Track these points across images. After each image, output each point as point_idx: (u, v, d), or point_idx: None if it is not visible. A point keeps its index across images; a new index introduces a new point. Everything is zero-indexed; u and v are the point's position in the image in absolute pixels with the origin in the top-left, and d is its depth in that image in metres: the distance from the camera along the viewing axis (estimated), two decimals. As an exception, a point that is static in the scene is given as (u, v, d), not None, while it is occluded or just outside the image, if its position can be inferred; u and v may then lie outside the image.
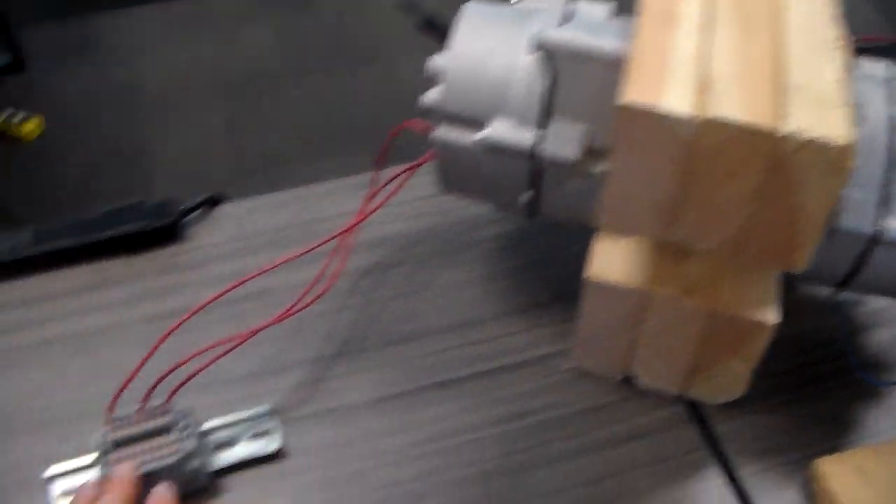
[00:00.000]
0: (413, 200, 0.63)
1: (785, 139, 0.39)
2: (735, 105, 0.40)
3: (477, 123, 0.49)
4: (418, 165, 0.55)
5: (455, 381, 0.54)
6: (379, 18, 1.87)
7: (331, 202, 0.63)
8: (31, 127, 1.71)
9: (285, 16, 1.96)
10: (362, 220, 0.54)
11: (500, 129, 0.49)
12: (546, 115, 0.48)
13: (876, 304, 0.57)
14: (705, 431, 0.52)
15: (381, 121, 1.76)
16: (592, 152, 0.48)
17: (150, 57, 1.87)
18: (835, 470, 0.49)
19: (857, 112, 0.45)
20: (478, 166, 0.50)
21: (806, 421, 0.52)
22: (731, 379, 0.51)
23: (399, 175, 0.56)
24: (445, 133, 0.50)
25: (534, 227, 0.62)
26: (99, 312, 0.59)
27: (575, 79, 0.47)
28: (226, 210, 0.65)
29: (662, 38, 0.44)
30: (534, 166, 0.49)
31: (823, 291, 0.56)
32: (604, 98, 0.47)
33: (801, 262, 0.44)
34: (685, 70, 0.42)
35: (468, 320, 0.57)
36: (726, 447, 0.51)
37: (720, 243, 0.44)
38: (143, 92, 1.79)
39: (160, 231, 0.61)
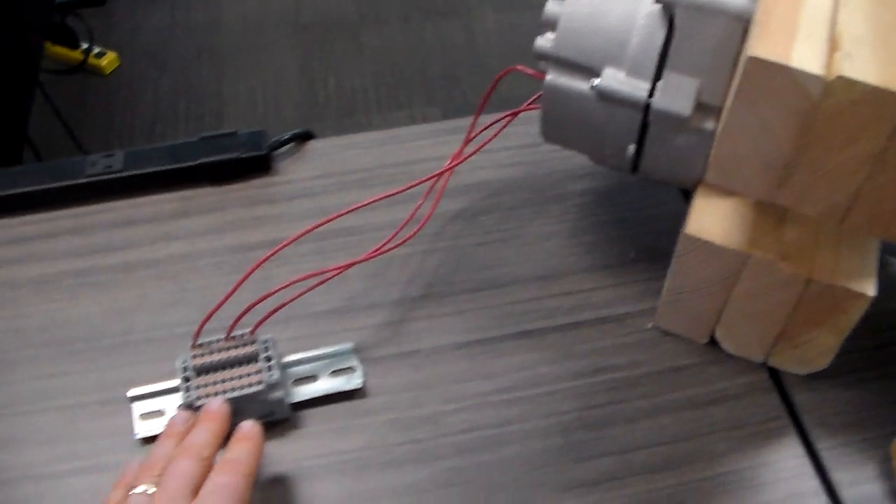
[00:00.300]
0: (506, 149, 0.63)
1: (916, 104, 0.38)
2: (866, 66, 0.39)
3: (590, 71, 0.49)
4: (519, 112, 0.55)
5: (536, 332, 0.54)
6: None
7: (421, 145, 0.63)
8: (108, 60, 1.75)
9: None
10: (459, 162, 0.54)
11: (615, 79, 0.48)
12: (661, 67, 0.47)
13: None
14: (785, 401, 0.51)
15: (454, 74, 1.77)
16: (703, 108, 0.47)
17: None
18: (918, 449, 0.49)
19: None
20: (586, 115, 0.50)
21: (887, 399, 0.51)
22: (817, 350, 0.51)
23: (500, 120, 0.56)
24: (557, 79, 0.50)
25: (624, 185, 0.61)
26: (185, 240, 0.59)
27: (695, 32, 0.46)
28: (317, 146, 0.65)
29: (791, -5, 0.43)
30: (643, 119, 0.48)
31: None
32: (722, 54, 0.46)
33: (913, 233, 0.43)
34: (816, 28, 0.41)
35: (553, 272, 0.57)
36: (805, 418, 0.51)
37: (828, 208, 0.44)
38: (218, 32, 1.80)
39: (252, 162, 0.61)
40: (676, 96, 0.47)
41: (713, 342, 0.53)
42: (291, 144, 0.63)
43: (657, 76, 0.47)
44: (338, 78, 1.72)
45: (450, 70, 1.71)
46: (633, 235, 0.58)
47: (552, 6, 0.50)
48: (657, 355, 0.53)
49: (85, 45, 1.71)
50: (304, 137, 0.64)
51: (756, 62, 0.40)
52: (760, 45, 0.40)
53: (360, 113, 1.63)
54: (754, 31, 0.41)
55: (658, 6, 0.46)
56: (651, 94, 0.47)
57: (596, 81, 0.48)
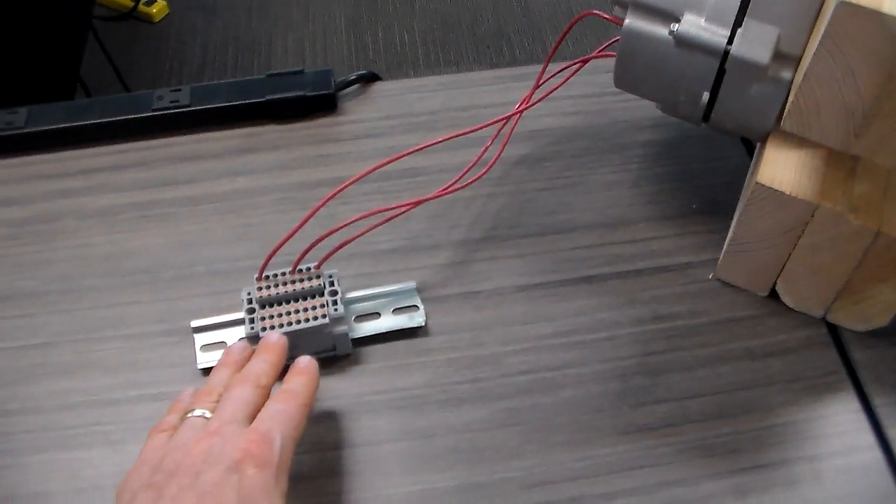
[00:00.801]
0: (570, 97, 0.63)
1: None
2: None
3: (670, 16, 0.49)
4: (590, 59, 0.55)
5: (597, 278, 0.54)
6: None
7: (487, 91, 0.63)
8: (158, 8, 1.77)
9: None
10: (527, 107, 0.54)
11: (695, 24, 0.48)
12: (742, 14, 0.47)
13: None
14: (843, 356, 0.52)
15: (504, 32, 1.76)
16: (781, 57, 0.47)
17: None
18: (976, 410, 0.49)
19: None
20: (662, 61, 0.49)
21: (945, 362, 0.52)
22: (878, 307, 0.51)
23: (570, 66, 0.55)
24: (635, 23, 0.49)
25: (687, 137, 0.61)
26: (250, 176, 0.60)
27: (775, -21, 0.46)
28: (382, 88, 0.65)
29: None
30: (721, 66, 0.48)
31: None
32: (803, 2, 0.46)
33: None
34: (903, -24, 0.41)
35: (615, 220, 0.57)
36: (862, 374, 0.51)
37: (904, 160, 0.44)
38: None
39: (318, 100, 0.62)
40: (756, 44, 0.47)
41: (773, 295, 0.53)
42: (357, 85, 0.64)
43: (737, 23, 0.47)
44: (386, 32, 1.72)
45: (499, 28, 1.70)
46: (696, 187, 0.58)
47: (632, -48, 0.50)
48: (717, 305, 0.53)
49: None
50: (370, 79, 0.64)
51: (846, 6, 0.39)
52: (850, -9, 0.40)
53: (408, 67, 1.63)
54: (842, -23, 0.41)
55: (740, -47, 0.47)
56: (730, 42, 0.47)
57: (676, 27, 0.48)
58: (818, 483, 0.47)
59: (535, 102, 0.55)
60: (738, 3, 0.47)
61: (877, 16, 0.39)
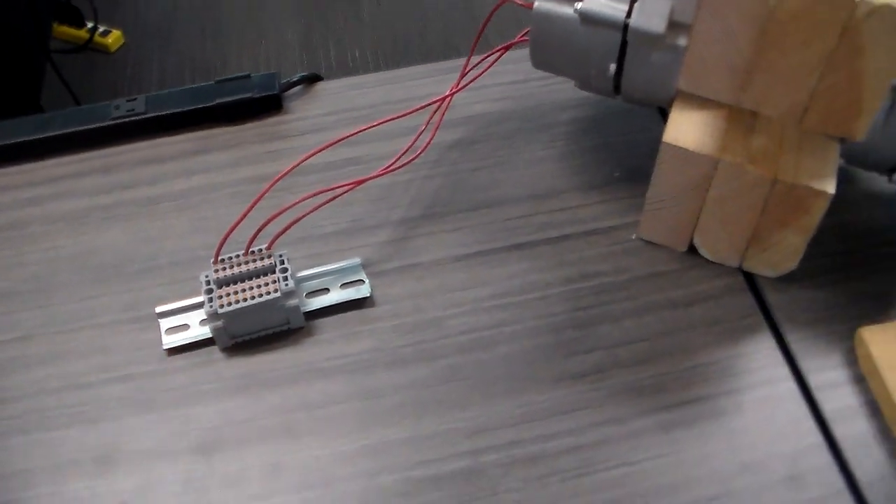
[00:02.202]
0: (498, 85, 0.67)
1: (860, 3, 0.43)
2: (814, -26, 0.44)
3: (575, -3, 0.54)
4: (511, 46, 0.60)
5: (527, 244, 0.59)
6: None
7: (423, 83, 0.68)
8: (114, 38, 1.83)
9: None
10: (456, 91, 0.59)
11: (597, 2, 0.52)
12: (637, -10, 0.52)
13: None
14: (759, 300, 0.56)
15: (452, 43, 1.82)
16: (675, 26, 0.51)
17: None
18: (876, 337, 0.52)
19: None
20: (571, 39, 0.54)
21: (853, 297, 0.56)
22: (786, 251, 0.55)
23: (494, 52, 0.60)
24: (544, 5, 0.54)
25: (609, 113, 0.65)
26: (205, 174, 0.64)
27: (665, -44, 0.50)
28: (324, 87, 0.69)
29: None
30: (623, 38, 0.53)
31: (880, 184, 0.60)
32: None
33: (861, 130, 0.47)
34: (769, -57, 0.46)
35: (543, 192, 0.61)
36: (777, 315, 0.55)
37: (787, 109, 0.48)
38: (220, 7, 1.86)
39: (265, 101, 0.66)
40: (651, 15, 0.51)
41: (692, 250, 0.58)
42: (301, 86, 0.68)
43: (634, -1, 0.52)
44: (338, 48, 1.78)
45: (448, 39, 1.76)
46: (618, 158, 0.62)
47: (541, -59, 0.54)
48: (640, 262, 0.58)
49: (90, 24, 1.78)
50: (313, 79, 0.68)
51: (716, -27, 0.44)
52: (720, -42, 0.44)
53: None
54: (716, -52, 0.45)
55: (632, -64, 0.51)
56: (629, 15, 0.52)
57: (579, 5, 0.53)
58: (739, 413, 0.51)
59: (465, 86, 0.60)
60: (634, -20, 0.52)
61: (744, -22, 0.44)
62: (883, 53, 0.44)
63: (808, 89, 0.47)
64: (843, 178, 0.59)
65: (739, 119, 0.53)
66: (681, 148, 0.52)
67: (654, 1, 0.51)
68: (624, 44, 0.53)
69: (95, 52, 1.87)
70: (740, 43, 0.46)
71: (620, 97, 0.57)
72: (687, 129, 0.53)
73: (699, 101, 0.53)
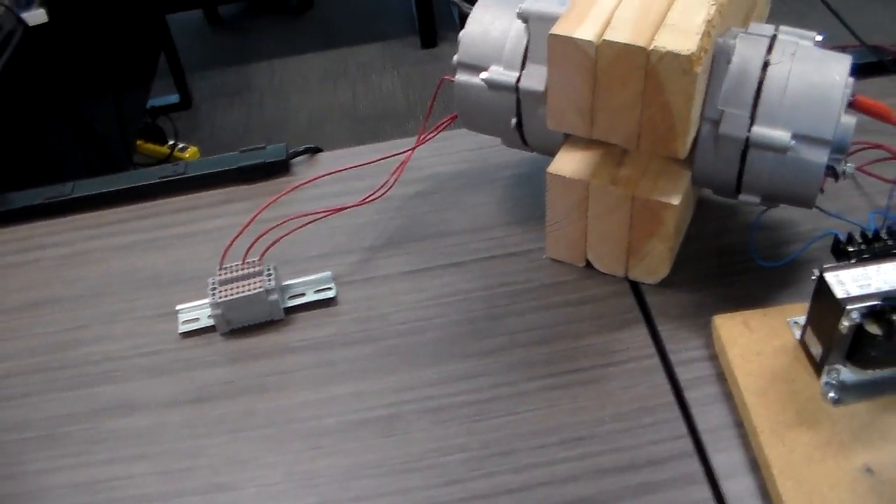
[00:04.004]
0: (455, 151, 0.86)
1: (652, 52, 0.59)
2: (623, 34, 0.60)
3: (482, 69, 0.71)
4: (455, 117, 0.77)
5: (462, 263, 0.75)
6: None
7: (398, 150, 0.84)
8: (191, 153, 2.14)
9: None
10: (413, 149, 0.77)
11: (496, 72, 0.70)
12: (525, 61, 0.69)
13: (775, 213, 0.74)
14: (640, 301, 0.71)
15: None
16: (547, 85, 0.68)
17: (296, 98, 2.21)
18: (726, 323, 0.66)
19: (732, 52, 0.63)
20: (483, 101, 0.72)
21: (717, 299, 0.70)
22: (657, 259, 0.70)
23: (444, 122, 0.77)
24: (462, 77, 0.72)
25: (539, 169, 0.80)
26: (226, 218, 0.83)
27: (541, 34, 0.67)
28: (324, 156, 0.89)
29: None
30: (517, 98, 0.70)
31: (752, 216, 0.75)
32: (557, 46, 0.68)
33: (681, 150, 0.63)
34: (598, 16, 0.63)
35: (480, 226, 0.78)
36: (653, 311, 0.70)
37: (625, 137, 0.64)
38: (286, 127, 2.12)
39: (274, 166, 0.86)
40: (534, 78, 0.68)
41: (589, 265, 0.73)
42: (306, 155, 0.87)
43: (523, 67, 0.69)
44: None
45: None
46: (542, 202, 0.76)
47: (461, 33, 0.72)
48: (547, 274, 0.73)
49: (171, 142, 2.06)
50: (315, 150, 0.88)
51: (554, 37, 0.61)
52: (558, 27, 0.62)
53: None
54: (558, 21, 0.62)
55: (521, 21, 0.69)
56: (519, 80, 0.69)
57: (484, 75, 0.70)
58: (609, 380, 0.65)
59: (417, 147, 0.77)
60: (523, 53, 0.69)
61: (571, 40, 0.61)
62: (678, 89, 0.60)
63: (635, 120, 0.63)
64: (727, 212, 0.74)
65: (611, 155, 0.69)
66: (560, 176, 0.68)
67: (537, 68, 0.68)
68: (519, 102, 0.70)
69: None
70: (580, 89, 0.63)
71: (531, 148, 0.74)
72: (567, 162, 0.69)
73: (582, 143, 0.69)
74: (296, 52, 2.57)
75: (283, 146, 0.86)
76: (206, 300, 0.72)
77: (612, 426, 0.62)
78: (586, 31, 0.61)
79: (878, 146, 0.70)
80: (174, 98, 2.45)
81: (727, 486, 0.58)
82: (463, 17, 0.75)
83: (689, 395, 0.64)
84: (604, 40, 0.60)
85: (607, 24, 0.62)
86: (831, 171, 0.65)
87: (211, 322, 0.72)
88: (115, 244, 0.82)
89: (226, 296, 0.70)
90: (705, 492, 0.58)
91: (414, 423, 0.64)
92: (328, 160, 0.88)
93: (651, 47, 0.59)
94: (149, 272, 0.78)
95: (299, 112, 2.33)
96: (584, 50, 0.61)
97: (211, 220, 0.83)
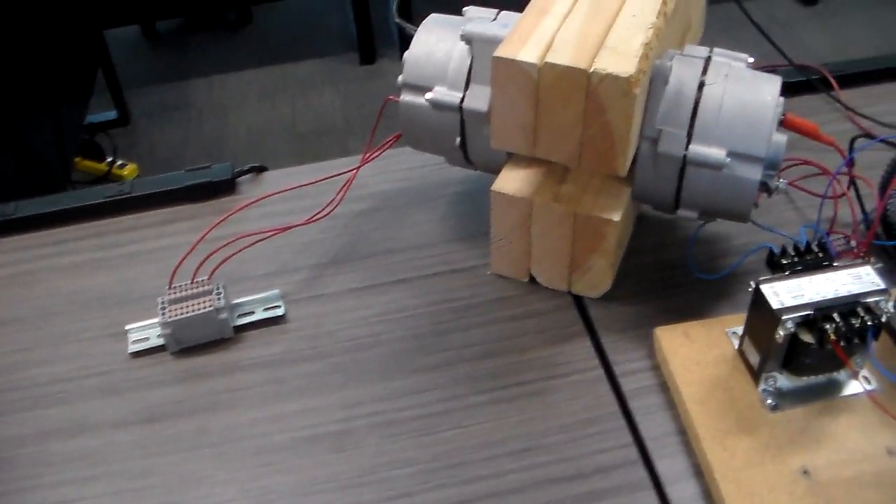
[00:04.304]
0: (398, 170, 0.87)
1: (592, 74, 0.61)
2: (564, 56, 0.62)
3: (427, 90, 0.73)
4: (400, 136, 0.78)
5: (406, 279, 0.76)
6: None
7: (344, 168, 0.83)
8: (129, 170, 2.14)
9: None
10: (358, 167, 0.78)
11: (440, 92, 0.72)
12: (468, 81, 0.71)
13: (711, 228, 0.78)
14: (583, 315, 0.73)
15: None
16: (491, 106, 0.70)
17: (235, 115, 2.22)
18: (667, 334, 0.68)
19: (669, 73, 0.66)
20: (428, 121, 0.73)
21: (658, 310, 0.72)
22: (599, 273, 0.72)
23: (389, 140, 0.78)
24: (407, 98, 0.74)
25: (480, 187, 0.83)
26: (172, 237, 0.83)
27: (484, 56, 0.69)
28: (269, 175, 0.90)
29: (534, 23, 0.67)
30: (461, 118, 0.71)
31: (689, 231, 0.77)
32: (500, 67, 0.70)
33: (621, 168, 0.65)
34: (540, 38, 0.65)
35: (424, 243, 0.80)
36: (596, 324, 0.72)
37: (567, 155, 0.66)
38: (226, 143, 2.13)
39: (220, 185, 0.86)
40: (478, 99, 0.70)
41: (533, 280, 0.75)
42: (251, 174, 0.88)
43: (466, 88, 0.71)
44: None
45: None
46: (485, 218, 0.78)
47: (406, 54, 0.74)
48: (491, 290, 0.75)
49: (109, 159, 2.05)
50: (260, 169, 0.88)
51: (497, 59, 0.63)
52: (501, 50, 0.63)
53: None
54: (501, 44, 0.64)
55: (464, 43, 0.70)
56: (463, 100, 0.71)
57: (429, 95, 0.72)
58: (554, 392, 0.67)
59: (362, 165, 0.78)
60: (466, 74, 0.70)
61: (514, 62, 0.62)
62: (617, 108, 0.62)
63: (576, 139, 0.65)
64: (666, 227, 0.77)
65: (554, 173, 0.71)
66: (504, 194, 0.70)
67: (480, 88, 0.70)
68: (463, 122, 0.71)
69: (113, 182, 2.12)
70: (523, 109, 0.65)
71: (474, 166, 0.75)
72: (511, 180, 0.71)
73: (525, 161, 0.71)
74: (234, 69, 2.58)
75: (229, 165, 0.87)
76: (156, 320, 0.72)
77: (558, 437, 0.64)
78: (529, 53, 0.63)
79: (807, 162, 0.73)
80: (112, 114, 2.43)
81: (672, 492, 0.60)
82: (405, 38, 0.77)
83: (633, 405, 0.66)
84: (546, 62, 0.62)
85: (549, 46, 0.64)
86: (764, 187, 0.68)
87: (161, 341, 0.72)
88: (62, 264, 0.81)
89: (176, 315, 0.71)
90: (651, 498, 0.60)
91: (364, 438, 0.65)
92: (273, 179, 0.89)
93: (592, 69, 0.61)
94: (97, 292, 0.78)
95: (238, 128, 2.34)
96: (526, 72, 0.63)
97: (157, 239, 0.83)
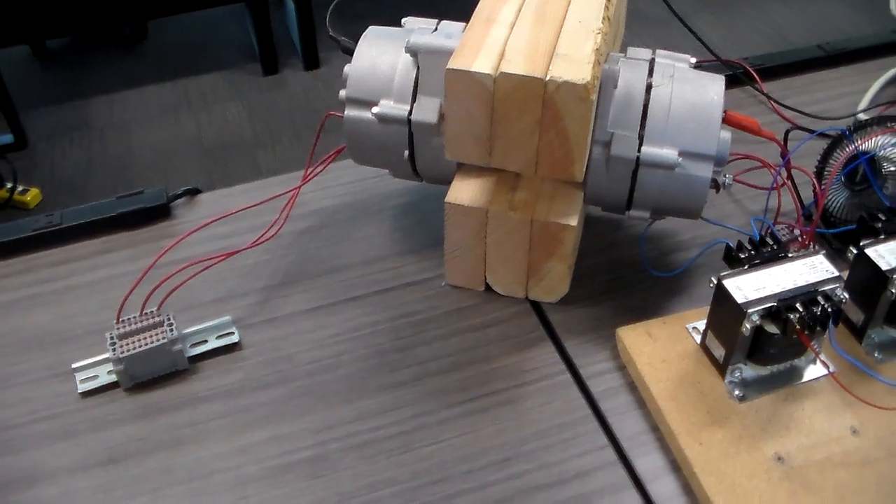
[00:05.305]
0: (341, 184, 0.86)
1: (549, 82, 0.61)
2: (519, 65, 0.62)
3: (372, 104, 0.72)
4: (341, 150, 0.77)
5: (361, 297, 0.75)
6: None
7: (282, 186, 0.82)
8: (32, 195, 2.06)
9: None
10: (302, 185, 0.76)
11: (388, 105, 0.71)
12: (415, 94, 0.70)
13: (658, 225, 0.79)
14: (543, 320, 0.73)
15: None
16: (444, 117, 0.69)
17: (139, 132, 2.17)
18: (629, 334, 0.69)
19: (617, 77, 0.67)
20: (374, 136, 0.72)
21: (616, 311, 0.73)
22: (556, 278, 0.72)
23: (329, 156, 0.77)
24: (351, 112, 0.72)
25: (424, 198, 0.84)
26: (110, 267, 0.80)
27: (432, 67, 0.69)
28: (204, 197, 0.87)
29: (482, 32, 0.67)
30: (409, 130, 0.71)
31: (639, 229, 0.79)
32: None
33: (577, 173, 0.65)
34: (492, 49, 0.64)
35: (374, 258, 0.79)
36: (557, 329, 0.72)
37: (523, 164, 0.66)
38: (132, 163, 2.07)
39: (155, 210, 0.83)
40: (426, 111, 0.70)
41: (489, 289, 0.75)
42: (185, 197, 0.85)
43: (413, 100, 0.70)
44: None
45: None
46: (432, 229, 0.79)
47: (346, 67, 0.73)
48: (448, 301, 0.75)
49: (9, 184, 1.96)
50: (194, 192, 0.86)
51: (451, 71, 0.63)
52: (454, 61, 0.63)
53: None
54: (453, 55, 0.64)
55: (409, 55, 0.70)
56: (411, 113, 0.70)
57: (375, 109, 0.71)
58: (525, 399, 0.67)
59: (306, 182, 0.77)
60: (413, 87, 0.70)
61: (468, 73, 0.62)
62: (573, 115, 0.62)
63: (533, 147, 0.65)
64: (613, 227, 0.78)
65: (505, 181, 0.71)
66: (459, 205, 0.69)
67: (428, 100, 0.70)
68: (411, 134, 0.71)
69: (15, 209, 2.09)
70: (479, 119, 0.65)
71: (421, 178, 0.75)
72: (464, 190, 0.70)
73: (475, 171, 0.71)
74: (133, 85, 2.50)
75: (162, 190, 0.84)
76: (105, 355, 0.70)
77: (535, 444, 0.64)
78: (482, 64, 0.63)
79: (747, 156, 0.75)
80: (8, 138, 2.32)
81: (654, 489, 0.61)
82: (347, 51, 0.76)
83: (604, 406, 0.66)
84: (501, 72, 0.62)
85: (501, 56, 0.64)
86: (714, 184, 0.69)
87: (112, 378, 0.69)
88: (-10, 303, 0.78)
89: (128, 350, 0.68)
90: (634, 497, 0.61)
91: (340, 462, 0.64)
92: (209, 201, 0.86)
93: (548, 77, 0.61)
94: (34, 331, 0.74)
95: (143, 146, 2.27)
96: (481, 83, 0.63)
97: (93, 271, 0.80)
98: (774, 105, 0.92)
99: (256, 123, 2.32)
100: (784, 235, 0.70)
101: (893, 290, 0.64)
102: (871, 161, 0.75)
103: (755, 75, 0.92)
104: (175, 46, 2.73)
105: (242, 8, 2.74)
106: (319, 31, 2.46)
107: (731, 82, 0.90)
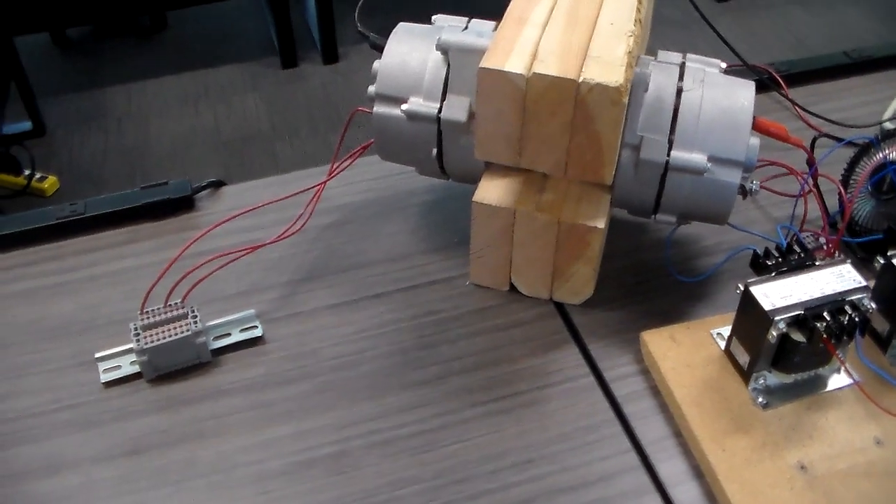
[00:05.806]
0: (365, 181, 0.86)
1: (581, 84, 0.61)
2: (551, 66, 0.62)
3: (401, 100, 0.72)
4: (368, 146, 0.77)
5: (385, 293, 0.75)
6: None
7: (307, 181, 0.82)
8: (49, 183, 2.06)
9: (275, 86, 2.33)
10: (328, 181, 0.76)
11: (417, 103, 0.71)
12: (445, 92, 0.70)
13: (683, 229, 0.78)
14: (567, 322, 0.73)
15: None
16: (475, 116, 0.69)
17: (157, 123, 2.17)
18: (654, 338, 0.69)
19: (648, 80, 0.67)
20: (403, 133, 0.72)
21: (640, 314, 0.73)
22: (581, 280, 0.72)
23: (356, 152, 0.78)
24: (380, 109, 0.73)
25: (448, 196, 0.84)
26: (134, 258, 0.80)
27: (462, 66, 0.69)
28: (228, 189, 0.87)
29: (514, 32, 0.66)
30: (438, 128, 0.71)
31: (664, 233, 0.79)
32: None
33: (607, 176, 0.65)
34: (524, 49, 0.64)
35: (398, 255, 0.79)
36: (581, 331, 0.72)
37: (553, 165, 0.66)
38: (149, 152, 2.06)
39: (179, 202, 0.83)
40: (456, 109, 0.70)
41: (513, 289, 0.75)
42: (209, 189, 0.86)
43: (443, 98, 0.70)
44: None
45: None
46: (456, 228, 0.80)
47: (376, 63, 0.73)
48: (472, 301, 0.75)
49: (27, 171, 1.96)
50: (218, 185, 0.86)
51: (484, 70, 0.63)
52: (487, 61, 0.63)
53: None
54: (486, 54, 0.64)
55: (440, 52, 0.70)
56: (440, 111, 0.70)
57: (404, 106, 0.71)
58: (549, 401, 0.67)
59: (332, 177, 0.77)
60: (443, 85, 0.70)
61: (502, 73, 0.62)
62: (605, 117, 0.62)
63: (563, 149, 0.65)
64: (639, 230, 0.78)
65: (533, 181, 0.71)
66: (486, 204, 0.69)
67: (458, 98, 0.70)
68: (440, 132, 0.71)
69: (33, 196, 2.10)
70: (510, 119, 0.65)
71: (448, 176, 0.75)
72: (492, 190, 0.70)
73: (502, 171, 0.71)
74: (152, 76, 2.51)
75: (187, 181, 0.84)
76: (128, 346, 0.70)
77: (558, 446, 0.64)
78: (515, 64, 0.63)
79: (773, 163, 0.74)
80: (27, 125, 2.33)
81: (676, 494, 0.61)
82: (376, 47, 0.75)
83: (628, 410, 0.66)
84: (534, 73, 0.62)
85: (534, 56, 0.64)
86: (741, 190, 0.69)
87: (135, 369, 0.69)
88: (15, 291, 0.78)
89: (152, 341, 0.68)
90: (657, 502, 0.61)
91: (363, 459, 0.64)
92: (232, 193, 0.86)
93: (581, 79, 0.61)
94: (58, 319, 0.75)
95: (161, 137, 2.27)
96: (514, 83, 0.63)
97: (117, 260, 0.80)
98: (800, 112, 0.92)
99: (274, 116, 2.32)
100: (810, 243, 0.70)
101: (921, 302, 0.65)
102: (899, 171, 0.75)
103: (781, 81, 0.92)
104: (194, 37, 2.74)
105: (262, 0, 2.76)
106: (339, 25, 2.47)
107: (757, 88, 0.89)
